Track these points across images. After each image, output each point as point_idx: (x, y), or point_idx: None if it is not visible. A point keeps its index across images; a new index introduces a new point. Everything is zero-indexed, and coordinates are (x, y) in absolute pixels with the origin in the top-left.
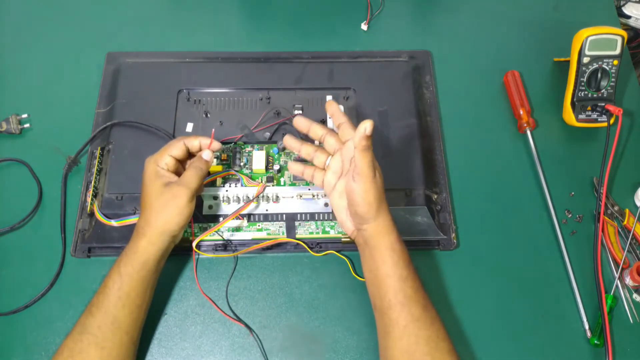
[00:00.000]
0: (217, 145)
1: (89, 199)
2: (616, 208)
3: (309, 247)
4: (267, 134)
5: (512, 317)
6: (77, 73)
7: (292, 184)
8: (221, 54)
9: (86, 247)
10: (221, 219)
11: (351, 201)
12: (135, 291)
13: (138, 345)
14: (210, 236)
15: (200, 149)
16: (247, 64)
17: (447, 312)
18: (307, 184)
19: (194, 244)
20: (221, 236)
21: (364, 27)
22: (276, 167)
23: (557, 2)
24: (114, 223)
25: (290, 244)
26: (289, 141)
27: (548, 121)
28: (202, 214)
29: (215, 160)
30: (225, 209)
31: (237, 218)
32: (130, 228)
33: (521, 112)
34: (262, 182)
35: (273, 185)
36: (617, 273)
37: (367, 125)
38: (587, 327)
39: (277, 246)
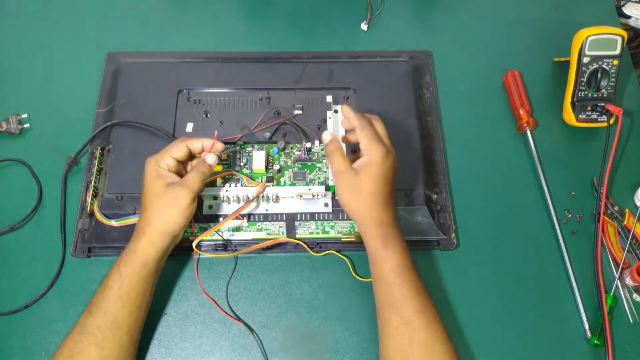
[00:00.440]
0: (220, 146)
1: (89, 199)
2: (616, 208)
3: (309, 247)
4: (267, 134)
5: (512, 317)
6: (77, 73)
7: (292, 184)
8: (221, 54)
9: (86, 247)
10: (221, 219)
11: None
12: (135, 291)
13: (138, 346)
14: (210, 236)
15: (203, 150)
16: (247, 64)
17: (447, 312)
18: (307, 183)
19: (194, 244)
20: (225, 236)
21: (364, 27)
22: (276, 167)
23: (557, 2)
24: (114, 223)
25: (290, 244)
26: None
27: (548, 121)
28: (202, 214)
29: None
30: (225, 209)
31: (237, 218)
32: (130, 228)
33: (521, 112)
34: (262, 182)
35: (273, 185)
36: (617, 273)
37: (323, 137)
38: (587, 327)
39: (277, 246)
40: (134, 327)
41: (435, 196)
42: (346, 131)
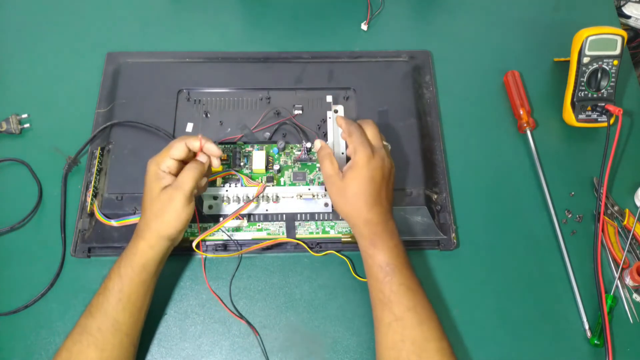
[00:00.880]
0: (214, 149)
1: (89, 199)
2: (616, 208)
3: (309, 247)
4: (267, 134)
5: (512, 317)
6: (77, 73)
7: (292, 184)
8: (221, 54)
9: (86, 247)
10: (221, 219)
11: None
12: (135, 293)
13: (138, 347)
14: (210, 236)
15: (202, 149)
16: (247, 64)
17: (447, 312)
18: (307, 183)
19: (194, 244)
20: (225, 236)
21: (364, 27)
22: (276, 167)
23: (557, 2)
24: (114, 223)
25: (290, 244)
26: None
27: (548, 121)
28: (202, 214)
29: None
30: (225, 209)
31: (237, 218)
32: (130, 228)
33: (521, 112)
34: (262, 182)
35: (273, 185)
36: (617, 273)
37: (315, 145)
38: (587, 327)
39: (277, 246)
40: (134, 328)
41: (435, 196)
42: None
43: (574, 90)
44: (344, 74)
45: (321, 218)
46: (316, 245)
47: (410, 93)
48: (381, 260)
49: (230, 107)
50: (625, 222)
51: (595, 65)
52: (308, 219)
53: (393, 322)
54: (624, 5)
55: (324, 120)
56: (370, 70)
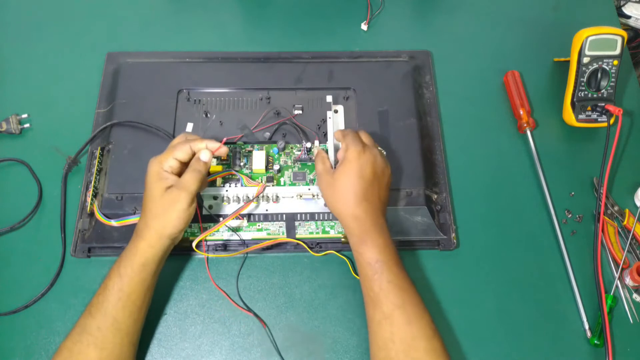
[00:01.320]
0: (224, 150)
1: (89, 199)
2: (616, 208)
3: (309, 247)
4: (267, 134)
5: (512, 317)
6: (77, 73)
7: (292, 184)
8: (221, 54)
9: (86, 247)
10: (221, 219)
11: None
12: (135, 293)
13: (137, 347)
14: (210, 236)
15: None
16: (247, 64)
17: (447, 312)
18: (307, 183)
19: (194, 244)
20: (225, 236)
21: (364, 27)
22: (276, 167)
23: (557, 2)
24: (114, 223)
25: (290, 244)
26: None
27: (548, 121)
28: (202, 214)
29: (215, 160)
30: (225, 209)
31: (237, 218)
32: (130, 228)
33: (521, 112)
34: (262, 182)
35: (273, 185)
36: (617, 273)
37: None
38: (587, 327)
39: (277, 246)
40: (134, 328)
41: (435, 196)
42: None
43: (574, 90)
44: (344, 74)
45: (321, 218)
46: (316, 245)
47: (410, 93)
48: (370, 257)
49: (230, 107)
50: (625, 222)
51: (595, 65)
52: (308, 219)
53: (382, 320)
54: (624, 5)
55: (324, 120)
56: (370, 70)
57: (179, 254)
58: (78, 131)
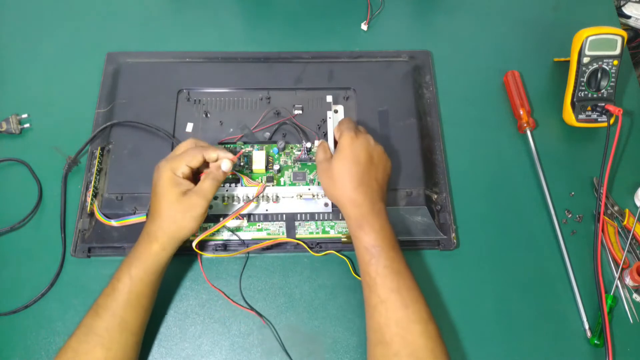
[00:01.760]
0: (234, 159)
1: (89, 199)
2: (616, 208)
3: (309, 247)
4: (267, 134)
5: (512, 317)
6: (77, 73)
7: (292, 184)
8: (221, 54)
9: (86, 247)
10: (221, 219)
11: None
12: (144, 294)
13: (141, 346)
14: (210, 236)
15: (218, 159)
16: (247, 64)
17: (447, 311)
18: (307, 183)
19: (194, 244)
20: (225, 236)
21: (364, 27)
22: (276, 167)
23: (557, 2)
24: (114, 223)
25: (290, 244)
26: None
27: (548, 121)
28: None
29: None
30: (225, 209)
31: (237, 218)
32: (131, 228)
33: (521, 112)
34: (262, 182)
35: (273, 185)
36: (617, 273)
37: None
38: (587, 327)
39: (277, 246)
40: (141, 328)
41: (435, 196)
42: None
43: (574, 90)
44: (344, 74)
45: (321, 218)
46: (316, 245)
47: (410, 93)
48: (367, 242)
49: (230, 107)
50: (625, 222)
51: (595, 65)
52: (308, 219)
53: (378, 304)
54: (624, 5)
55: (324, 120)
56: (370, 70)
57: (179, 254)
58: (78, 131)
